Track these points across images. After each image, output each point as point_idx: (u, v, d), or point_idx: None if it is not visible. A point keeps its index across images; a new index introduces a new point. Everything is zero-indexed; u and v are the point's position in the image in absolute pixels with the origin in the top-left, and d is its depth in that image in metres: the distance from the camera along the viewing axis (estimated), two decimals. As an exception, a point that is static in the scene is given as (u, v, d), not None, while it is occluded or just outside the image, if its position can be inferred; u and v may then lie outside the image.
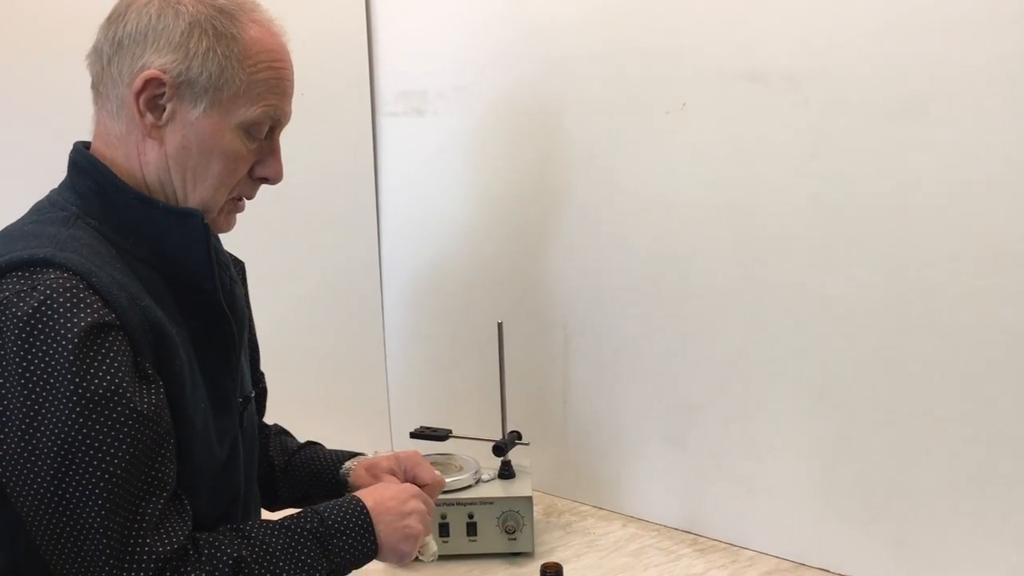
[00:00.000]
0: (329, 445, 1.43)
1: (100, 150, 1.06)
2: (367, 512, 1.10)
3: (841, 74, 1.37)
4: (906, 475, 1.38)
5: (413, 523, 1.14)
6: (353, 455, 1.36)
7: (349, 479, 1.33)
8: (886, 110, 1.33)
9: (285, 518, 1.07)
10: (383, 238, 2.07)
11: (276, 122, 1.09)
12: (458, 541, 1.53)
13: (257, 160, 1.09)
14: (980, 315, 1.28)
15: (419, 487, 1.21)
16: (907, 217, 1.33)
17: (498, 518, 1.53)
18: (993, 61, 1.24)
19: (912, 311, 1.34)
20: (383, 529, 1.11)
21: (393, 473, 1.32)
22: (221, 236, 1.18)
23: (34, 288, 0.91)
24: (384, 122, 2.03)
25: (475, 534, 1.53)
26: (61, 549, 0.92)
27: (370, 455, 1.36)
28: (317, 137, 1.73)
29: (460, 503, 1.52)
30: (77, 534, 0.91)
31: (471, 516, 1.53)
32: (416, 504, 1.16)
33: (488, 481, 1.59)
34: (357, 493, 1.14)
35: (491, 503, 1.53)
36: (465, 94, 1.87)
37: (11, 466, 0.91)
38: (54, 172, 1.09)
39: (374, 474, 1.32)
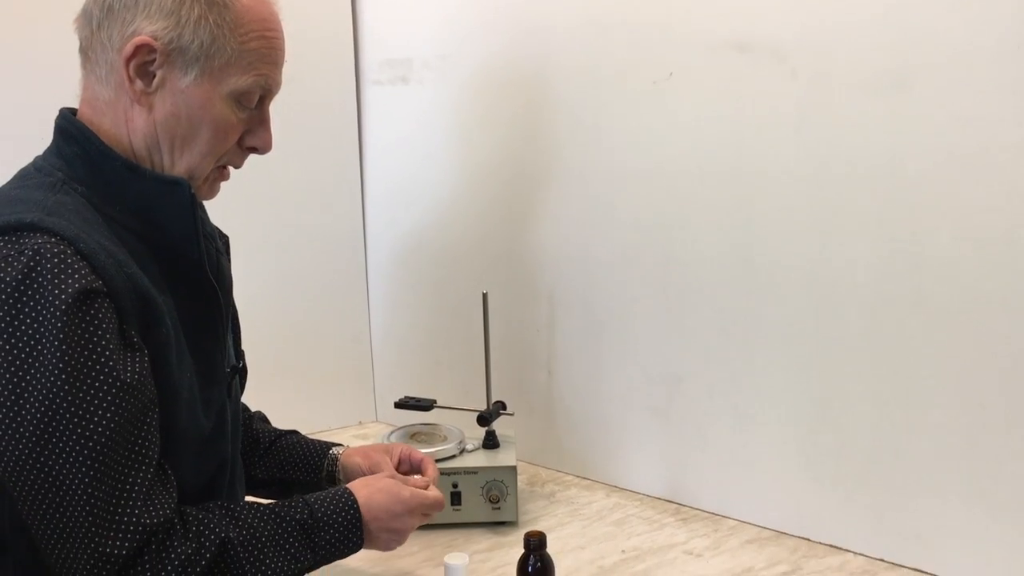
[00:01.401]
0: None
1: (87, 116, 1.05)
2: (358, 508, 1.11)
3: (828, 46, 1.37)
4: (887, 445, 1.40)
5: (400, 537, 1.17)
6: (339, 444, 1.40)
7: (340, 457, 1.34)
8: (872, 82, 1.33)
9: (275, 504, 1.08)
10: (367, 208, 2.06)
11: (266, 91, 1.08)
12: (442, 510, 1.53)
13: (247, 130, 1.09)
14: (965, 287, 1.29)
15: (416, 485, 1.22)
16: (892, 190, 1.34)
17: (482, 488, 1.54)
18: (980, 34, 1.24)
19: (897, 283, 1.35)
20: (370, 530, 1.13)
21: (388, 452, 1.35)
22: (208, 205, 1.17)
23: (21, 252, 0.91)
24: (368, 91, 2.01)
25: (459, 503, 1.54)
26: (44, 517, 0.92)
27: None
28: (301, 106, 1.72)
29: (444, 473, 1.52)
30: (60, 501, 0.91)
31: (455, 486, 1.53)
32: (409, 521, 1.18)
33: (472, 451, 1.60)
34: (352, 485, 1.15)
35: (475, 473, 1.54)
36: (450, 63, 1.86)
37: None
38: (39, 139, 1.08)
39: (365, 453, 1.34)
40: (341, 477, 1.35)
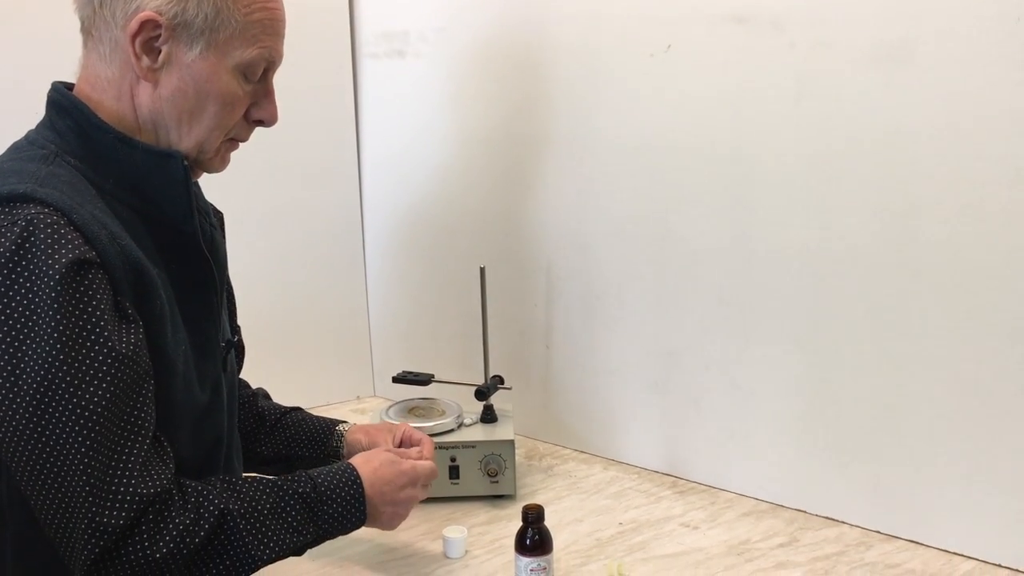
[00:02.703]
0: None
1: (86, 92, 1.05)
2: (361, 484, 1.12)
3: (827, 17, 1.36)
4: (883, 418, 1.40)
5: (403, 510, 1.18)
6: (344, 421, 1.41)
7: (345, 436, 1.35)
8: (871, 54, 1.32)
9: (277, 478, 1.08)
10: (364, 182, 2.05)
11: (271, 63, 1.09)
12: (441, 484, 1.54)
13: (252, 102, 1.09)
14: (963, 260, 1.29)
15: (408, 457, 1.22)
16: (891, 162, 1.33)
17: (480, 461, 1.54)
18: (980, 5, 1.23)
19: (894, 256, 1.35)
20: (374, 505, 1.13)
21: (389, 432, 1.36)
22: (202, 183, 1.17)
23: (14, 223, 0.90)
24: (365, 63, 2.00)
25: (457, 477, 1.54)
26: (42, 488, 0.92)
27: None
28: (297, 79, 1.70)
29: (443, 447, 1.53)
30: (57, 472, 0.91)
31: (453, 460, 1.54)
32: (411, 492, 1.18)
33: (470, 425, 1.60)
34: (353, 460, 1.15)
35: (473, 447, 1.54)
36: (446, 35, 1.84)
37: None
38: (33, 114, 1.07)
39: (368, 432, 1.35)
40: (345, 454, 1.35)
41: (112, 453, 0.93)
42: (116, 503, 0.92)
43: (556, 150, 1.72)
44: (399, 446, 1.35)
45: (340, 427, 1.38)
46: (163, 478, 0.96)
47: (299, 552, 1.07)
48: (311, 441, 1.37)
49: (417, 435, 1.37)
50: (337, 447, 1.36)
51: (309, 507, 1.06)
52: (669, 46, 1.53)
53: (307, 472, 1.10)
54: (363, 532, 1.14)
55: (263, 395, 1.43)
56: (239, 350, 1.35)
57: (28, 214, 0.91)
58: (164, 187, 1.04)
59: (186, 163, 1.04)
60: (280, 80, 1.14)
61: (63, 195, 0.94)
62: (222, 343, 1.16)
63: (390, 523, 1.19)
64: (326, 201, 2.01)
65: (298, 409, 1.42)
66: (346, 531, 1.11)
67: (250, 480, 1.06)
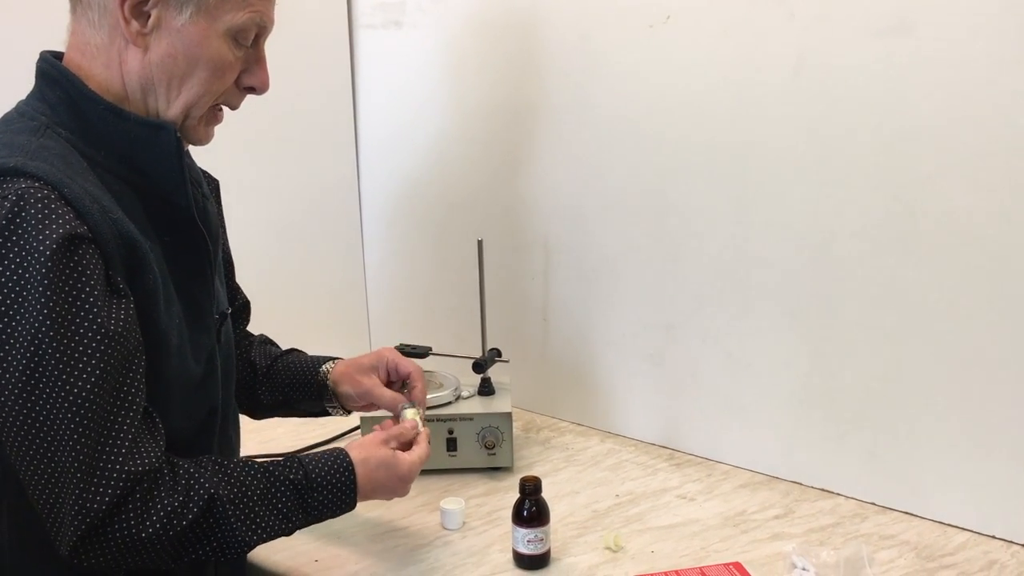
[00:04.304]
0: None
1: (75, 60, 1.04)
2: (352, 471, 1.11)
3: (828, -13, 1.35)
4: (879, 392, 1.41)
5: (395, 495, 1.17)
6: (332, 358, 1.39)
7: (329, 378, 1.35)
8: (872, 26, 1.31)
9: (269, 462, 1.08)
10: (361, 154, 2.04)
11: (262, 28, 1.07)
12: (438, 456, 1.55)
13: (243, 69, 1.08)
14: (961, 234, 1.29)
15: (404, 433, 1.22)
16: (889, 135, 1.32)
17: (478, 434, 1.55)
18: (982, -25, 1.22)
19: (891, 229, 1.35)
20: (365, 492, 1.12)
21: (375, 370, 1.35)
22: (199, 152, 1.16)
23: (4, 197, 0.90)
24: (361, 34, 1.98)
25: (455, 449, 1.55)
26: (31, 465, 0.92)
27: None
28: (293, 50, 1.69)
29: (440, 419, 1.53)
30: (46, 449, 0.91)
31: (451, 432, 1.54)
32: (404, 487, 1.17)
33: (468, 398, 1.60)
34: (347, 447, 1.14)
35: (471, 419, 1.54)
36: (444, 5, 1.83)
37: None
38: (24, 83, 1.06)
39: (353, 379, 1.34)
40: (337, 399, 1.36)
41: (101, 430, 0.92)
42: (104, 480, 0.92)
43: (554, 122, 1.71)
44: (387, 378, 1.35)
45: (324, 367, 1.37)
46: (152, 455, 0.96)
47: (287, 535, 1.07)
48: (301, 384, 1.36)
49: (404, 368, 1.35)
50: (324, 383, 1.36)
51: (299, 494, 1.06)
52: (668, 17, 1.52)
53: (299, 458, 1.10)
54: (360, 505, 1.14)
55: (261, 341, 1.42)
56: (244, 307, 1.34)
57: (19, 188, 0.90)
58: (156, 159, 1.03)
59: (178, 134, 1.03)
60: (276, 52, 1.13)
61: (54, 168, 0.93)
62: (216, 314, 1.16)
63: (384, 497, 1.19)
64: (323, 173, 2.00)
65: (291, 351, 1.41)
66: (335, 516, 1.11)
67: (241, 464, 1.05)
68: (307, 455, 1.11)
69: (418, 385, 1.35)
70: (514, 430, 1.59)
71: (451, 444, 1.55)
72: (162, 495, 0.96)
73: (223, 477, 1.02)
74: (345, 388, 1.35)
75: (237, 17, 1.03)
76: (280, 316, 1.91)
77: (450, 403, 1.58)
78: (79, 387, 0.91)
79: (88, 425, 0.91)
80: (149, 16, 1.00)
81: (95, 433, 0.92)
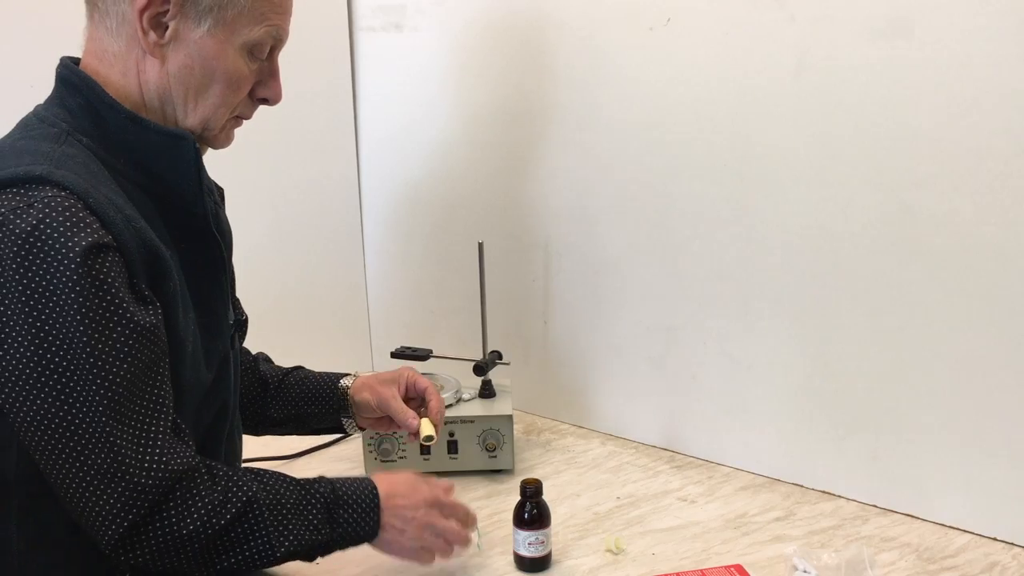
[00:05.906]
0: (310, 365, 1.45)
1: (92, 67, 1.04)
2: (377, 495, 1.11)
3: (828, -11, 1.35)
4: (880, 394, 1.40)
5: (420, 533, 1.14)
6: (347, 374, 1.41)
7: (350, 390, 1.37)
8: (872, 27, 1.31)
9: (299, 478, 1.08)
10: (362, 157, 2.04)
11: (277, 42, 1.08)
12: (439, 459, 1.55)
13: (257, 81, 1.09)
14: (961, 236, 1.29)
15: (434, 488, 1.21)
16: (890, 136, 1.32)
17: (479, 436, 1.54)
18: (982, -24, 1.22)
19: (892, 231, 1.35)
20: (387, 519, 1.11)
21: (395, 383, 1.36)
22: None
23: (31, 205, 0.90)
24: (361, 37, 1.98)
25: (456, 452, 1.55)
26: (66, 464, 0.92)
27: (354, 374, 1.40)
28: (293, 53, 1.69)
29: (441, 422, 1.53)
30: (83, 447, 0.91)
31: (452, 434, 1.54)
32: (428, 514, 1.15)
33: (469, 400, 1.60)
34: (375, 478, 1.14)
35: (472, 422, 1.54)
36: (444, 8, 1.83)
37: (15, 384, 0.91)
38: (35, 88, 1.06)
39: (373, 388, 1.35)
40: (353, 410, 1.37)
41: (139, 427, 0.93)
42: (146, 477, 0.93)
43: (555, 124, 1.71)
44: (405, 394, 1.37)
45: (343, 381, 1.39)
46: (188, 455, 0.97)
47: (311, 554, 1.06)
48: (317, 397, 1.38)
49: (421, 383, 1.38)
50: (343, 398, 1.37)
51: (328, 509, 1.06)
52: (669, 19, 1.52)
53: (327, 478, 1.10)
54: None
55: (263, 359, 1.44)
56: (243, 323, 1.35)
57: (44, 196, 0.90)
58: (175, 168, 1.04)
59: (197, 145, 1.04)
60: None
61: (79, 177, 0.93)
62: (230, 322, 1.16)
63: (410, 548, 1.14)
64: (324, 175, 2.00)
65: (299, 368, 1.43)
66: (358, 539, 1.10)
67: (274, 474, 1.06)
68: (334, 477, 1.11)
69: (433, 399, 1.36)
70: (515, 432, 1.58)
71: (452, 446, 1.55)
72: (202, 492, 0.96)
73: (259, 482, 1.02)
74: (364, 396, 1.36)
75: (254, 31, 1.03)
76: (281, 318, 1.91)
77: (451, 405, 1.57)
78: (117, 383, 0.91)
79: (126, 423, 0.92)
80: (167, 28, 1.01)
81: (133, 431, 0.93)
